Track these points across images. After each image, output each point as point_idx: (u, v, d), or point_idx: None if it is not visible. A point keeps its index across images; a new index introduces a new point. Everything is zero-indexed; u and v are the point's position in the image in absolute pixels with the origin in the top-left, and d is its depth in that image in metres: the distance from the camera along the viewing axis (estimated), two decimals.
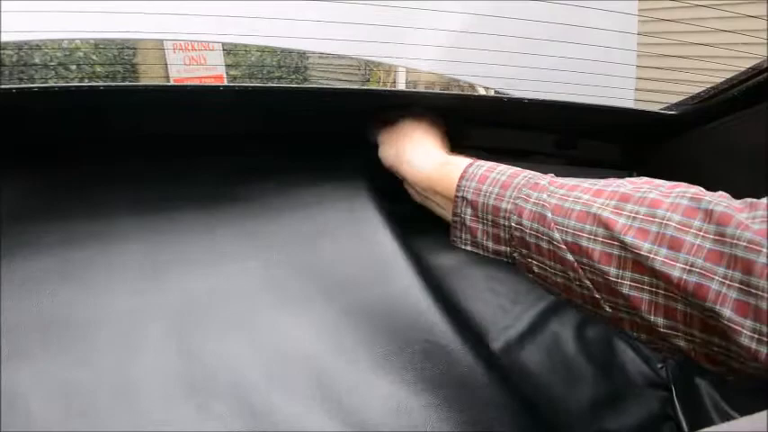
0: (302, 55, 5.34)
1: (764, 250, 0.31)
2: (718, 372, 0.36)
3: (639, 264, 0.37)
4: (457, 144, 0.63)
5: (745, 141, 0.62)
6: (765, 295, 0.31)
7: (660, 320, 0.36)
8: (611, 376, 0.68)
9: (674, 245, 0.35)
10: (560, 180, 0.45)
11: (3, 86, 0.43)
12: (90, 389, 0.45)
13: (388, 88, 3.45)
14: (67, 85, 0.48)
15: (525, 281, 0.72)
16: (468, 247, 0.50)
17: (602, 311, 0.41)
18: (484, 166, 0.50)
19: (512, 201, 0.45)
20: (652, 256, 0.36)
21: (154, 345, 0.49)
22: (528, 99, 0.60)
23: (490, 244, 0.48)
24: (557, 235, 0.41)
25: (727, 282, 0.33)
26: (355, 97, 0.63)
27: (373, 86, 4.75)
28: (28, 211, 0.52)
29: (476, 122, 0.69)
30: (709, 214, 0.35)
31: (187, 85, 0.50)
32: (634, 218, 0.38)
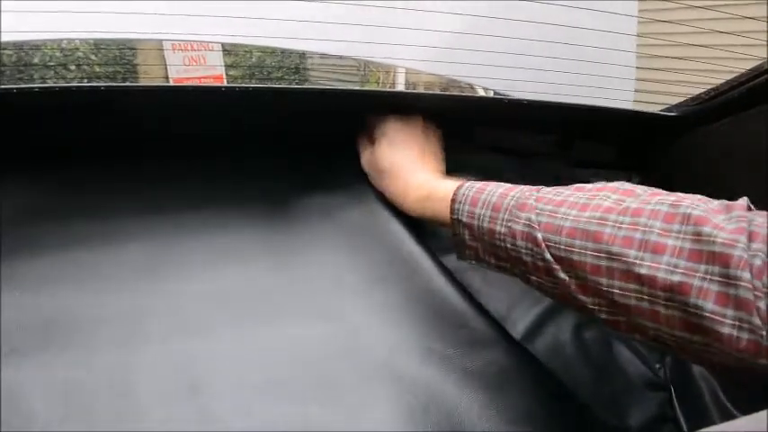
0: (302, 55, 5.34)
1: (740, 245, 0.34)
2: (703, 366, 0.39)
3: (626, 272, 0.39)
4: (455, 145, 0.63)
5: (745, 143, 0.62)
6: (743, 284, 0.33)
7: (648, 323, 0.39)
8: (610, 378, 0.68)
9: (658, 249, 0.37)
10: (547, 195, 0.46)
11: (3, 87, 0.43)
12: (90, 389, 0.45)
13: (388, 89, 3.46)
14: (68, 85, 0.48)
15: (522, 284, 0.72)
16: (474, 262, 0.53)
17: (598, 318, 0.43)
18: (473, 188, 0.51)
19: (504, 223, 0.47)
20: (638, 262, 0.38)
21: (155, 345, 0.49)
22: (528, 100, 0.60)
23: (492, 260, 0.50)
24: (548, 255, 0.44)
25: (708, 276, 0.35)
26: (355, 98, 0.63)
27: (372, 87, 4.75)
28: (28, 212, 0.52)
29: (476, 123, 0.69)
30: (686, 218, 0.38)
31: (188, 86, 0.50)
32: (619, 227, 0.40)
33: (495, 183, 0.51)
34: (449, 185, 0.53)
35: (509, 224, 0.47)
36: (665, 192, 0.42)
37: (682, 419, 0.67)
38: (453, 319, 0.55)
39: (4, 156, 0.52)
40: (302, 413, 0.48)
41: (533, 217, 0.45)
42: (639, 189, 0.43)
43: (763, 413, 0.23)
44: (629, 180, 0.74)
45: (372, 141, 0.61)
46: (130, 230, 0.54)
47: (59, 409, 0.43)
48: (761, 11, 2.38)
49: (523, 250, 0.46)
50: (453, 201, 0.51)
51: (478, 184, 0.51)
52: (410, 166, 0.58)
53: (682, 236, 0.37)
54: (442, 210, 0.53)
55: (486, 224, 0.48)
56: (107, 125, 0.57)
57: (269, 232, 0.59)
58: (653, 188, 0.43)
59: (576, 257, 0.41)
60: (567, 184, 0.48)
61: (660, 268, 0.37)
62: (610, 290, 0.40)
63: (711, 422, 0.62)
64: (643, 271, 0.38)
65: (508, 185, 0.50)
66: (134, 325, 0.49)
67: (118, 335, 0.48)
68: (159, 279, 0.52)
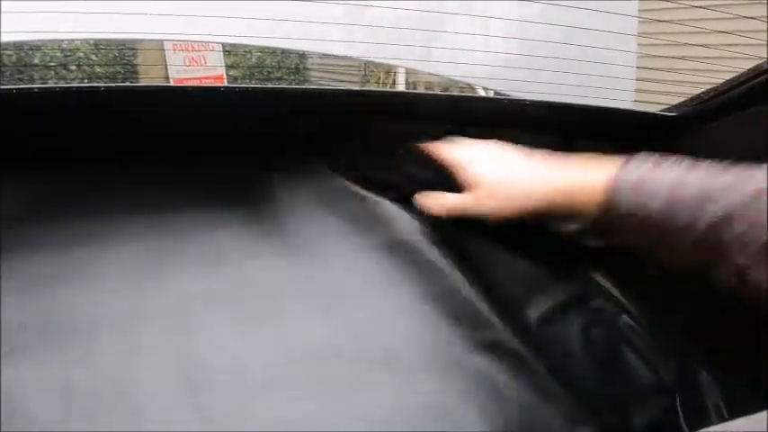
0: (302, 56, 5.35)
1: None
2: None
3: None
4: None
5: (745, 143, 0.62)
6: None
7: None
8: (616, 380, 0.68)
9: None
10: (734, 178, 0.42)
11: (3, 87, 0.43)
12: (90, 388, 0.45)
13: (388, 89, 3.46)
14: (68, 86, 0.48)
15: (530, 283, 0.71)
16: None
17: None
18: (641, 167, 0.46)
19: (692, 212, 0.42)
20: None
21: (154, 345, 0.49)
22: (528, 101, 0.60)
23: (662, 253, 0.46)
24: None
25: None
26: (355, 98, 0.63)
27: (373, 87, 4.75)
28: (28, 212, 0.52)
29: (476, 124, 0.69)
30: None
31: (188, 86, 0.50)
32: None
33: (663, 166, 0.45)
34: (590, 170, 0.48)
35: (696, 213, 0.42)
36: None
37: (683, 423, 0.67)
38: (466, 320, 0.55)
39: (4, 156, 0.52)
40: (302, 412, 0.48)
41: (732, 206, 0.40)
42: None
43: (762, 414, 0.23)
44: None
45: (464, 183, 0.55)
46: (130, 230, 0.54)
47: (59, 409, 0.43)
48: (761, 11, 2.38)
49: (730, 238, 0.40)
50: (615, 180, 0.45)
51: (644, 166, 0.46)
52: (526, 161, 0.54)
53: None
54: (585, 195, 0.47)
55: (660, 214, 0.43)
56: (107, 125, 0.57)
57: (271, 231, 0.59)
58: None
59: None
60: None
61: None
62: None
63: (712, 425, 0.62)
64: None
65: (676, 171, 0.45)
66: (134, 325, 0.49)
67: (117, 335, 0.48)
68: (159, 278, 0.52)
